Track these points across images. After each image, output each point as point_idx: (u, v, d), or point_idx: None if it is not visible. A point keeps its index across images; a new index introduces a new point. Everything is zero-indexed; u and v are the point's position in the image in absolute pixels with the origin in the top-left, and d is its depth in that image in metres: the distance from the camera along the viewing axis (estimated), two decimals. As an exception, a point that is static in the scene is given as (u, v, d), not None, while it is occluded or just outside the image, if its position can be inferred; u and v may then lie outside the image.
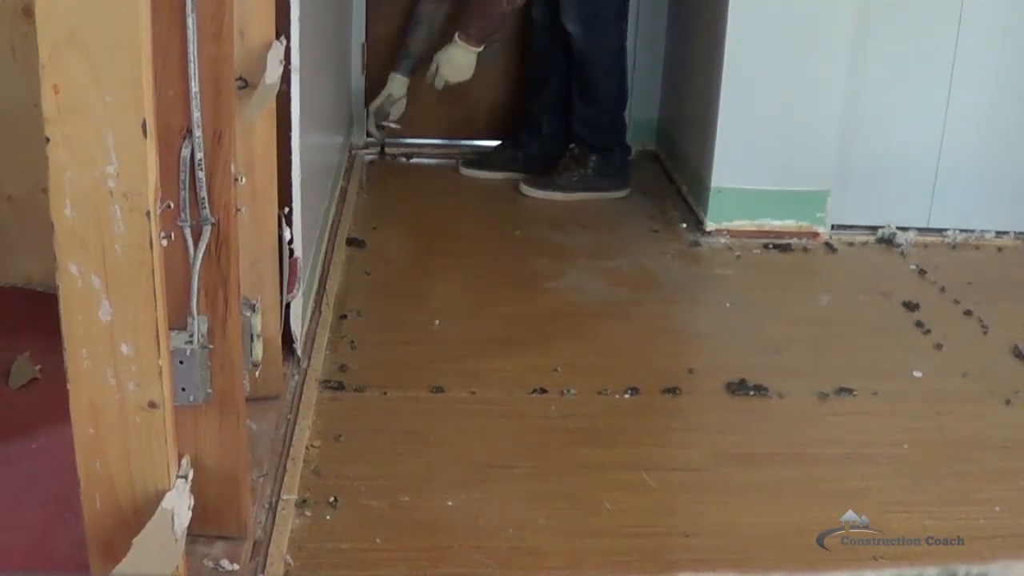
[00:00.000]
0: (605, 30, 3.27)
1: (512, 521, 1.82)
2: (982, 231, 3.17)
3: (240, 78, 1.67)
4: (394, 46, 3.59)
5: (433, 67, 3.32)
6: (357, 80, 3.67)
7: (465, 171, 3.52)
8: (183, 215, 1.41)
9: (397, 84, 3.47)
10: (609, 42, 3.30)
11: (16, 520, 1.64)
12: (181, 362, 1.44)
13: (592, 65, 3.28)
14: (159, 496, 1.24)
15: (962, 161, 3.13)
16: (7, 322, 2.25)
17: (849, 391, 2.28)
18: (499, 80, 3.70)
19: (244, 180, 1.79)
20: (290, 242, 2.02)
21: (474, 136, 3.74)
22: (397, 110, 3.50)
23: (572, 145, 3.43)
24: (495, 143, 3.63)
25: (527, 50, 3.57)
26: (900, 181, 3.15)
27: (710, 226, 3.09)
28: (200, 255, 1.43)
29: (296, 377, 2.17)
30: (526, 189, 3.36)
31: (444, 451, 2.02)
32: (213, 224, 1.44)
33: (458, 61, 3.28)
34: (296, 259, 2.06)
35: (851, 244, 3.10)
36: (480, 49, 3.27)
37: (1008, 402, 2.28)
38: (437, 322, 2.52)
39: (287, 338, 2.12)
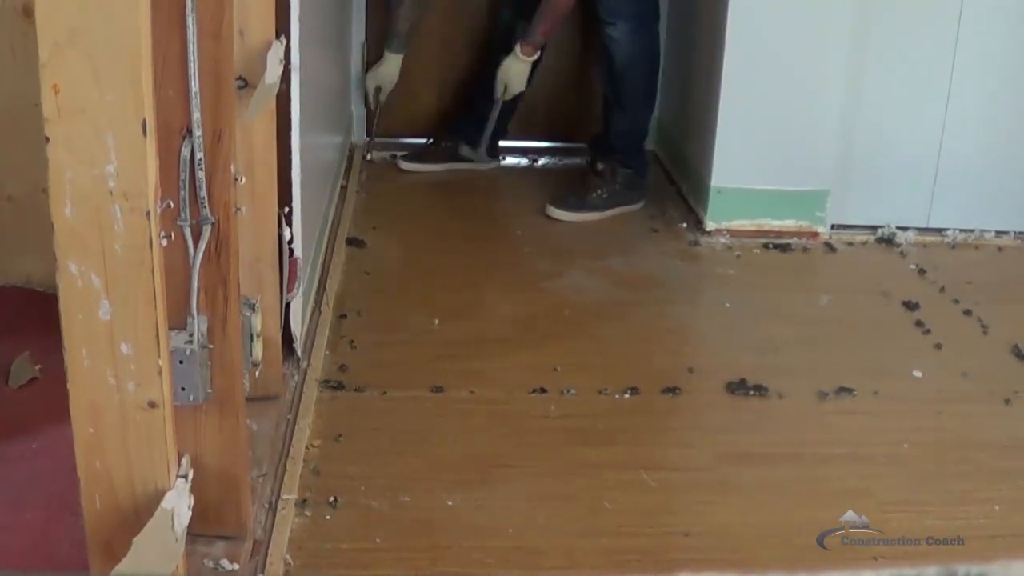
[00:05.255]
0: (648, 31, 3.20)
1: (512, 521, 1.82)
2: (982, 231, 3.17)
3: (240, 78, 1.67)
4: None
5: (501, 87, 3.28)
6: (357, 80, 3.67)
7: (405, 165, 3.53)
8: (183, 215, 1.41)
9: (392, 63, 3.48)
10: (651, 44, 3.22)
11: (16, 520, 1.64)
12: (181, 362, 1.44)
13: (634, 70, 3.19)
14: (159, 496, 1.24)
15: (962, 161, 3.13)
16: (7, 322, 2.25)
17: (849, 391, 2.29)
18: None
19: (244, 180, 1.79)
20: (290, 242, 2.02)
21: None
22: (389, 85, 3.53)
23: (598, 161, 3.28)
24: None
25: (486, 52, 3.53)
26: (900, 181, 3.15)
27: (710, 226, 3.09)
28: (200, 255, 1.43)
29: (296, 377, 2.17)
30: (557, 212, 3.19)
31: (444, 451, 2.02)
32: (213, 224, 1.44)
33: (519, 72, 3.25)
34: (296, 259, 2.06)
35: (851, 244, 3.10)
36: (535, 58, 3.24)
37: (1008, 402, 2.28)
38: (437, 322, 2.52)
39: (287, 338, 2.12)
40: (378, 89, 3.52)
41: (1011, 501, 1.94)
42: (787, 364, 2.40)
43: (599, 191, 3.23)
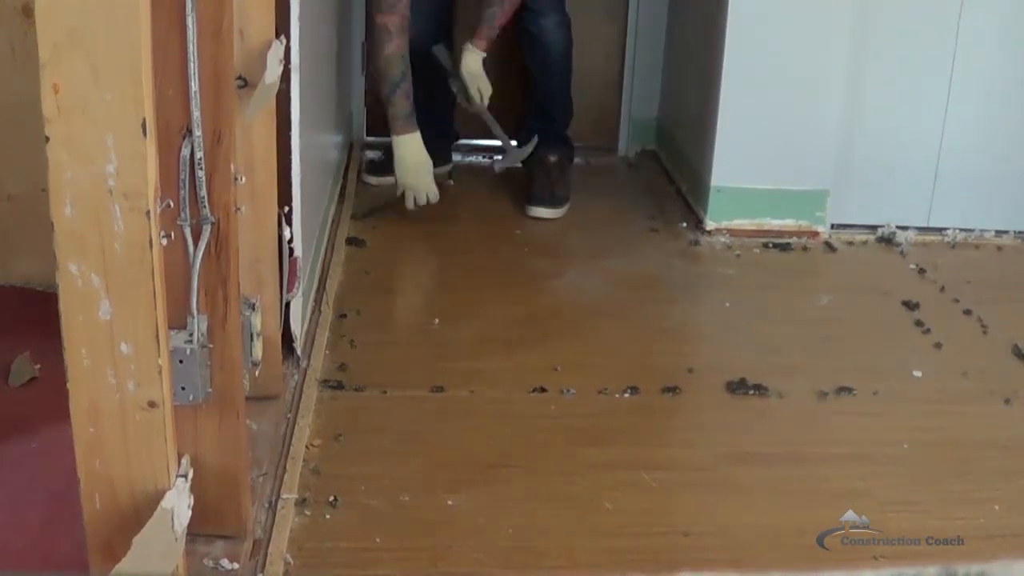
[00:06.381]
0: (567, 18, 3.27)
1: (512, 521, 1.82)
2: (982, 230, 3.17)
3: (240, 77, 1.67)
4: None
5: (474, 89, 3.14)
6: (357, 80, 3.67)
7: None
8: (183, 214, 1.41)
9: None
10: (570, 29, 3.28)
11: (16, 520, 1.64)
12: (181, 361, 1.44)
13: (564, 56, 3.28)
14: (159, 495, 1.24)
15: (962, 161, 3.13)
16: (7, 322, 2.25)
17: (849, 391, 2.28)
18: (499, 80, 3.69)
19: (244, 179, 1.79)
20: (290, 241, 2.03)
21: (474, 136, 3.73)
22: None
23: (549, 154, 3.27)
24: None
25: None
26: (900, 181, 3.15)
27: (710, 225, 3.09)
28: (200, 254, 1.43)
29: (296, 376, 2.17)
30: (543, 212, 3.18)
31: (444, 451, 2.02)
32: (213, 223, 1.44)
33: (477, 64, 3.13)
34: (296, 258, 2.06)
35: (851, 243, 3.10)
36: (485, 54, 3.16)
37: (1008, 402, 2.28)
38: (437, 322, 2.52)
39: (287, 337, 2.12)
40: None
41: (1011, 501, 1.94)
42: (787, 364, 2.40)
43: (563, 182, 3.28)
